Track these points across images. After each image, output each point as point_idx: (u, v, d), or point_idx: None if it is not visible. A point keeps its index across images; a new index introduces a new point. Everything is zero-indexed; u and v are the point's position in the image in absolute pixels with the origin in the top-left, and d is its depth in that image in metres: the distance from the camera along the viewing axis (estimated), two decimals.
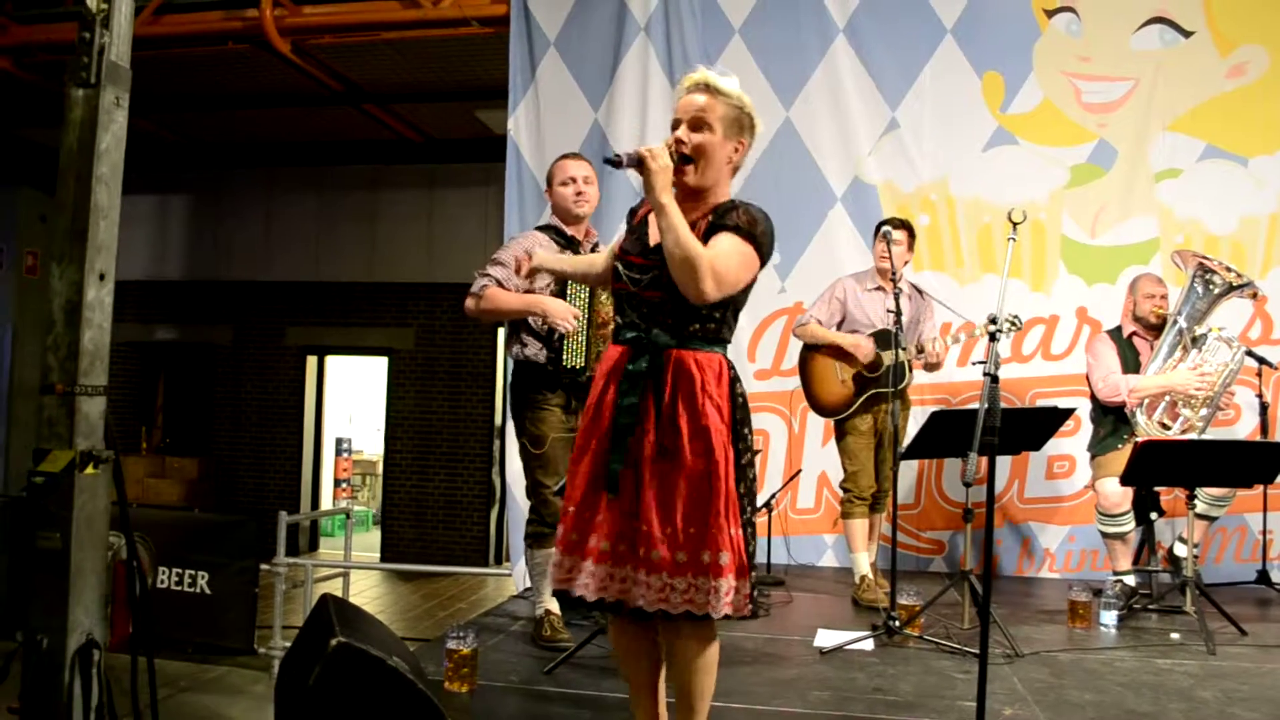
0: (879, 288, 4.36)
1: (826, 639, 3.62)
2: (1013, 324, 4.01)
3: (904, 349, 4.12)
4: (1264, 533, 4.71)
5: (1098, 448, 4.43)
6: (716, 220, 2.23)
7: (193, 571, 5.95)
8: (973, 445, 2.66)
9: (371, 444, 11.91)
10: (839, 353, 4.38)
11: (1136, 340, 4.46)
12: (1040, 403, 5.06)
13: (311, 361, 10.42)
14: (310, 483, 10.45)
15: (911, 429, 4.31)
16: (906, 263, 4.41)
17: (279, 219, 10.28)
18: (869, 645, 3.55)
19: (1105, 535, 4.29)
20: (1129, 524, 4.22)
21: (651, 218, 2.27)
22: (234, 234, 10.37)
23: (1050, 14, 5.27)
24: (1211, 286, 4.26)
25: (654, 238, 2.22)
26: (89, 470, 2.59)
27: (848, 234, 5.34)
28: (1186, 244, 5.00)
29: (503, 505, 7.94)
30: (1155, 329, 4.41)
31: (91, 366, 2.63)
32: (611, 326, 2.47)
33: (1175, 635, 3.78)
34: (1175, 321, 4.33)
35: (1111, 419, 4.40)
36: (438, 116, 8.85)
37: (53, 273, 2.64)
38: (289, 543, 6.23)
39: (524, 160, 5.56)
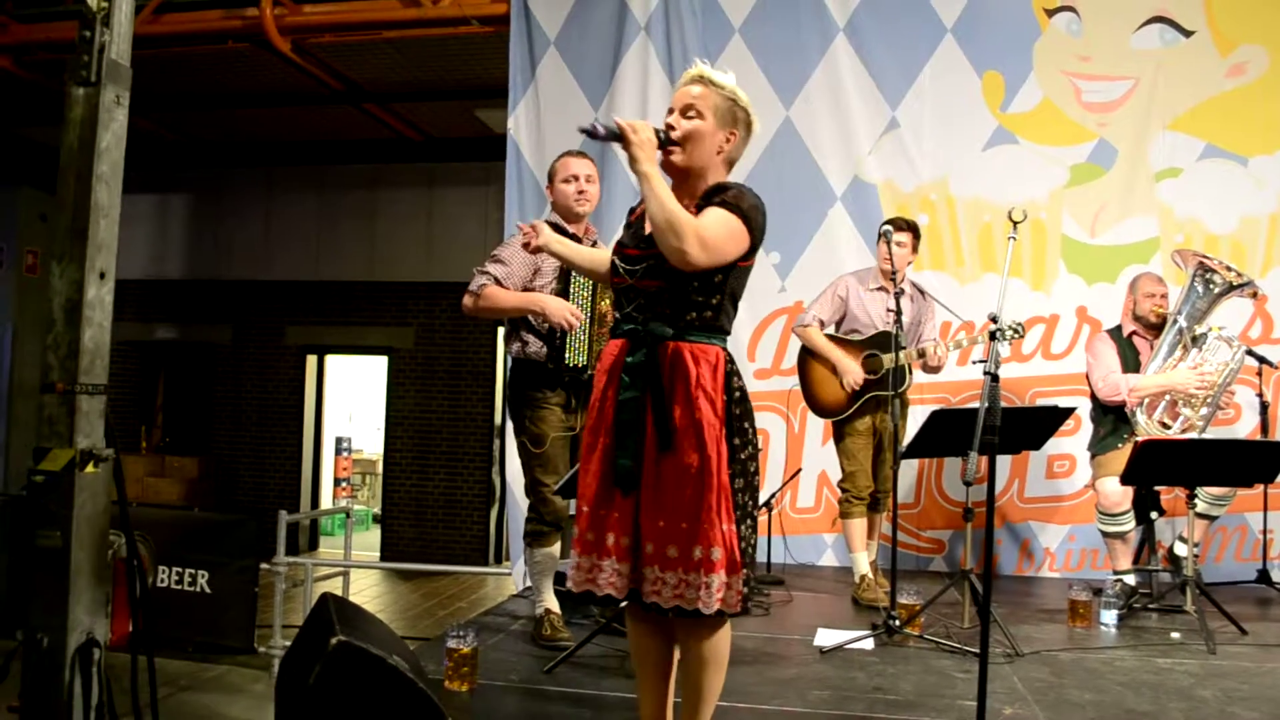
0: (881, 288, 4.35)
1: (826, 638, 3.62)
2: (1015, 331, 4.01)
3: (904, 349, 4.11)
4: (1264, 532, 4.71)
5: (1098, 447, 4.43)
6: (704, 199, 2.26)
7: (193, 570, 5.95)
8: (973, 444, 2.66)
9: (371, 443, 11.91)
10: (833, 364, 4.38)
11: (1136, 339, 4.46)
12: (1040, 402, 5.06)
13: (311, 361, 10.42)
14: (310, 482, 10.45)
15: (910, 429, 4.30)
16: (910, 263, 4.41)
17: (279, 218, 10.28)
18: (869, 644, 3.55)
19: (1105, 534, 4.29)
20: (1129, 523, 4.22)
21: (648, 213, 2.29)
22: (234, 233, 10.37)
23: (1050, 13, 5.27)
24: (1211, 286, 4.26)
25: (649, 228, 2.23)
26: (89, 469, 2.59)
27: (848, 233, 5.34)
28: (1186, 243, 5.00)
29: (502, 504, 7.94)
30: (1155, 328, 4.41)
31: (92, 365, 2.63)
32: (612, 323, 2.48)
33: (1175, 634, 3.78)
34: (1175, 321, 4.33)
35: (1112, 418, 4.40)
36: (438, 115, 8.84)
37: (53, 271, 2.64)
38: (289, 542, 6.23)
39: (524, 159, 5.56)
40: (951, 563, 5.17)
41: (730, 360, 2.27)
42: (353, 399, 11.69)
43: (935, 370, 4.39)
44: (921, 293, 4.53)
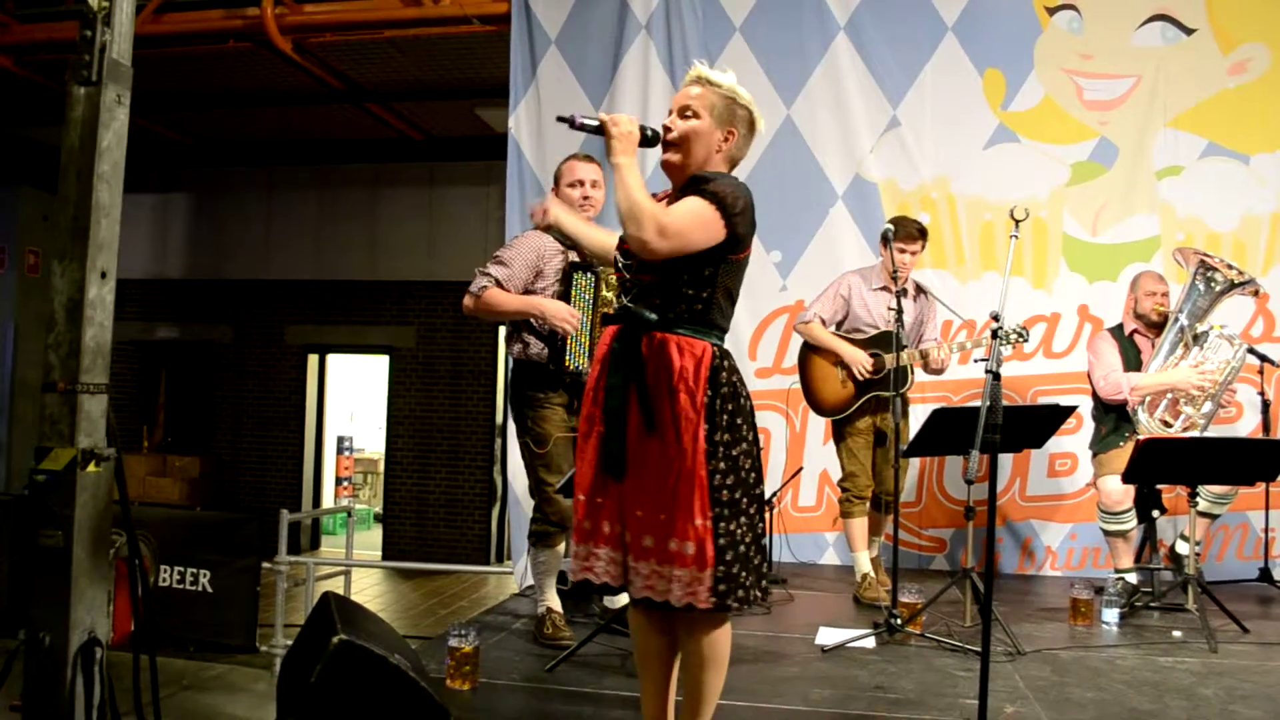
0: (884, 287, 4.34)
1: (828, 637, 3.62)
2: (1020, 335, 4.01)
3: (905, 348, 4.11)
4: (1266, 530, 4.70)
5: (1099, 445, 4.43)
6: (686, 186, 2.26)
7: (194, 569, 5.96)
8: (974, 443, 2.66)
9: (373, 442, 11.91)
10: (839, 356, 4.37)
11: (1138, 338, 4.46)
12: (1042, 400, 5.06)
13: (313, 360, 10.42)
14: (312, 481, 10.46)
15: (912, 428, 4.30)
16: (911, 267, 4.40)
17: (280, 217, 10.28)
18: (870, 643, 3.55)
19: (1107, 533, 4.29)
20: (1131, 522, 4.22)
21: None
22: (235, 232, 10.37)
23: (1051, 11, 5.26)
24: (1213, 284, 4.26)
25: None
26: (91, 468, 2.60)
27: (849, 232, 5.34)
28: (1188, 242, 5.00)
29: (504, 503, 7.95)
30: (1157, 327, 4.41)
31: (93, 364, 2.64)
32: None
33: (1177, 633, 3.77)
34: (1177, 319, 4.33)
35: (1113, 417, 4.40)
36: (439, 115, 8.84)
37: (54, 271, 2.65)
38: (290, 541, 6.23)
39: (525, 158, 5.56)
40: (953, 561, 5.17)
41: (721, 356, 2.24)
42: (354, 398, 11.70)
43: (938, 372, 4.39)
44: (923, 292, 4.52)
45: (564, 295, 3.47)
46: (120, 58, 2.69)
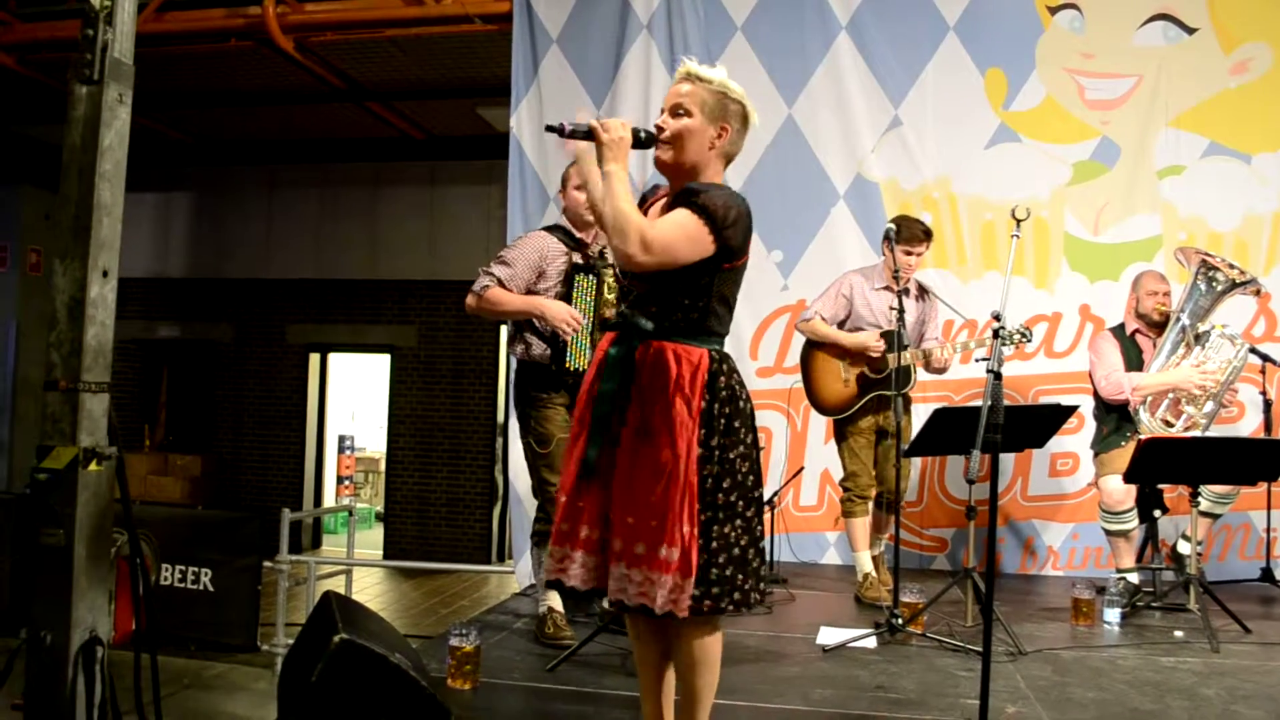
0: (886, 286, 4.33)
1: (829, 637, 3.62)
2: (1023, 335, 4.00)
3: (907, 347, 4.11)
4: (1268, 530, 4.71)
5: (1101, 445, 4.43)
6: (678, 199, 2.23)
7: (196, 568, 5.96)
8: (976, 443, 2.66)
9: (374, 441, 11.91)
10: (843, 351, 4.37)
11: (1139, 338, 4.45)
12: (1043, 400, 5.05)
13: (314, 359, 10.42)
14: (313, 480, 10.46)
15: (914, 427, 4.30)
16: (914, 268, 4.40)
17: (282, 216, 10.28)
18: (872, 643, 3.55)
19: (1108, 533, 4.28)
20: (1132, 521, 4.22)
21: (651, 213, 2.29)
22: (237, 231, 10.38)
23: (1053, 10, 5.26)
24: (1215, 283, 4.26)
25: None
26: (92, 467, 2.60)
27: (850, 232, 5.34)
28: (1190, 241, 5.00)
29: (505, 503, 7.95)
30: (1158, 326, 4.40)
31: (94, 363, 2.64)
32: None
33: (1179, 633, 3.77)
34: (1178, 319, 4.33)
35: (1115, 416, 4.39)
36: (440, 114, 8.84)
37: (56, 270, 2.65)
38: (292, 540, 6.23)
39: (526, 157, 5.56)
40: (954, 561, 5.17)
41: (719, 361, 2.23)
42: (355, 397, 11.69)
43: (940, 371, 4.39)
44: (925, 292, 4.52)
45: (566, 296, 3.48)
46: (122, 56, 2.69)
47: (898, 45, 5.34)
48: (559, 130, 2.22)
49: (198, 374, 10.56)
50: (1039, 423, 3.92)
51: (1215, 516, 4.35)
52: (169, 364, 10.72)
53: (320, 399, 10.52)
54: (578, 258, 3.52)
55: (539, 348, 3.51)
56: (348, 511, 7.20)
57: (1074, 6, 5.25)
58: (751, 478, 2.25)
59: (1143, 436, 4.02)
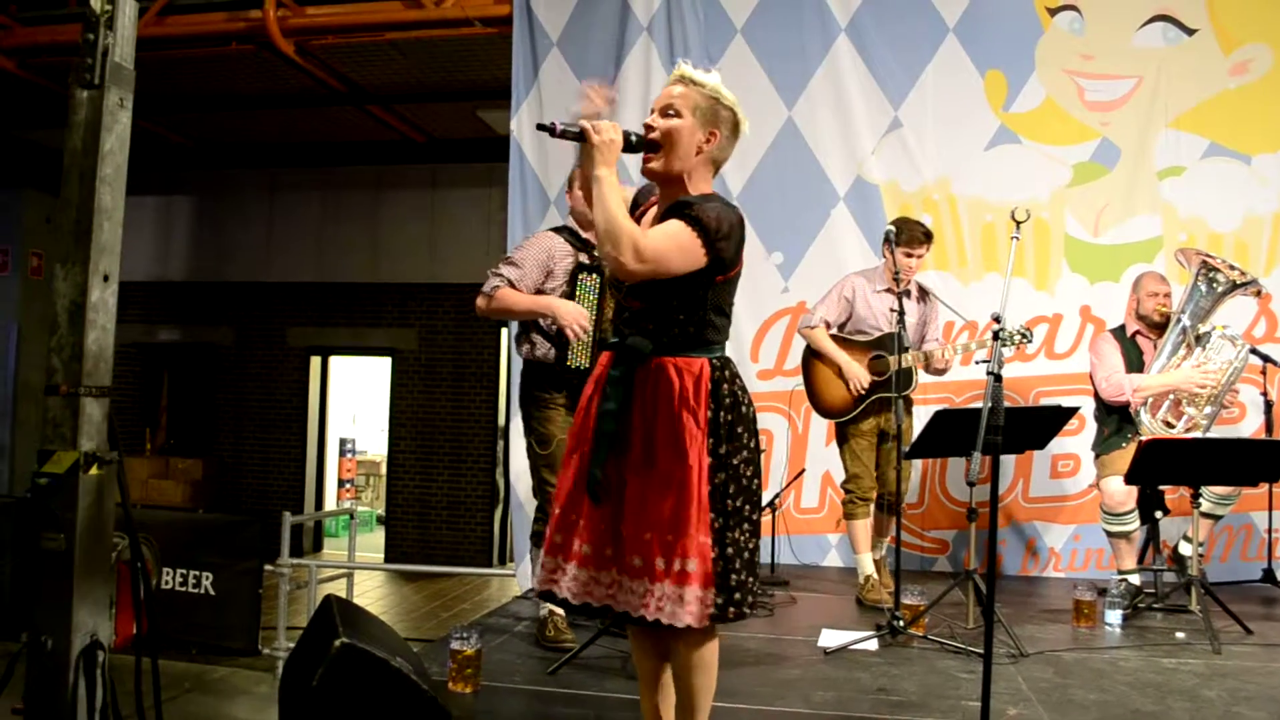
0: (888, 289, 4.33)
1: (830, 639, 3.61)
2: (1024, 335, 4.00)
3: (908, 350, 4.10)
4: (1269, 531, 4.70)
5: (1102, 447, 4.42)
6: (670, 210, 2.22)
7: (197, 572, 5.96)
8: (976, 444, 2.66)
9: (375, 444, 11.92)
10: (838, 367, 4.37)
11: (1140, 339, 4.45)
12: (1044, 401, 5.05)
13: (315, 362, 10.43)
14: (314, 483, 10.46)
15: (915, 429, 4.30)
16: (915, 270, 4.40)
17: (282, 219, 10.29)
18: (873, 645, 3.55)
19: (1110, 534, 4.28)
20: (1134, 523, 4.21)
21: (643, 222, 2.29)
22: (237, 235, 10.39)
23: (1053, 12, 5.26)
24: (1215, 285, 4.25)
25: None
26: (93, 471, 2.60)
27: (851, 234, 5.34)
28: (1190, 242, 4.99)
29: (506, 505, 7.94)
30: (1159, 327, 4.40)
31: (95, 367, 2.63)
32: None
33: (1180, 634, 3.77)
34: (1179, 320, 4.33)
35: (1116, 418, 4.39)
36: (441, 117, 8.85)
37: (57, 274, 2.65)
38: (293, 543, 6.23)
39: (527, 160, 5.56)
40: (955, 563, 5.16)
41: (720, 368, 2.23)
42: (356, 400, 11.70)
43: (940, 373, 4.39)
44: (926, 293, 4.52)
45: (570, 295, 3.50)
46: (123, 61, 2.69)
47: (897, 47, 5.34)
48: (550, 130, 2.21)
49: (198, 377, 10.57)
50: (1040, 424, 3.92)
51: (1217, 518, 4.35)
52: (170, 368, 10.73)
53: (321, 402, 10.52)
54: (584, 257, 3.54)
55: (544, 347, 3.53)
56: (349, 515, 7.21)
57: (1073, 8, 5.25)
58: (755, 481, 2.26)
59: (1144, 438, 4.01)
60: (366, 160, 9.96)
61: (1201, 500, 4.02)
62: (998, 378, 2.68)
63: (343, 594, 6.09)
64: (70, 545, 2.55)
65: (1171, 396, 4.30)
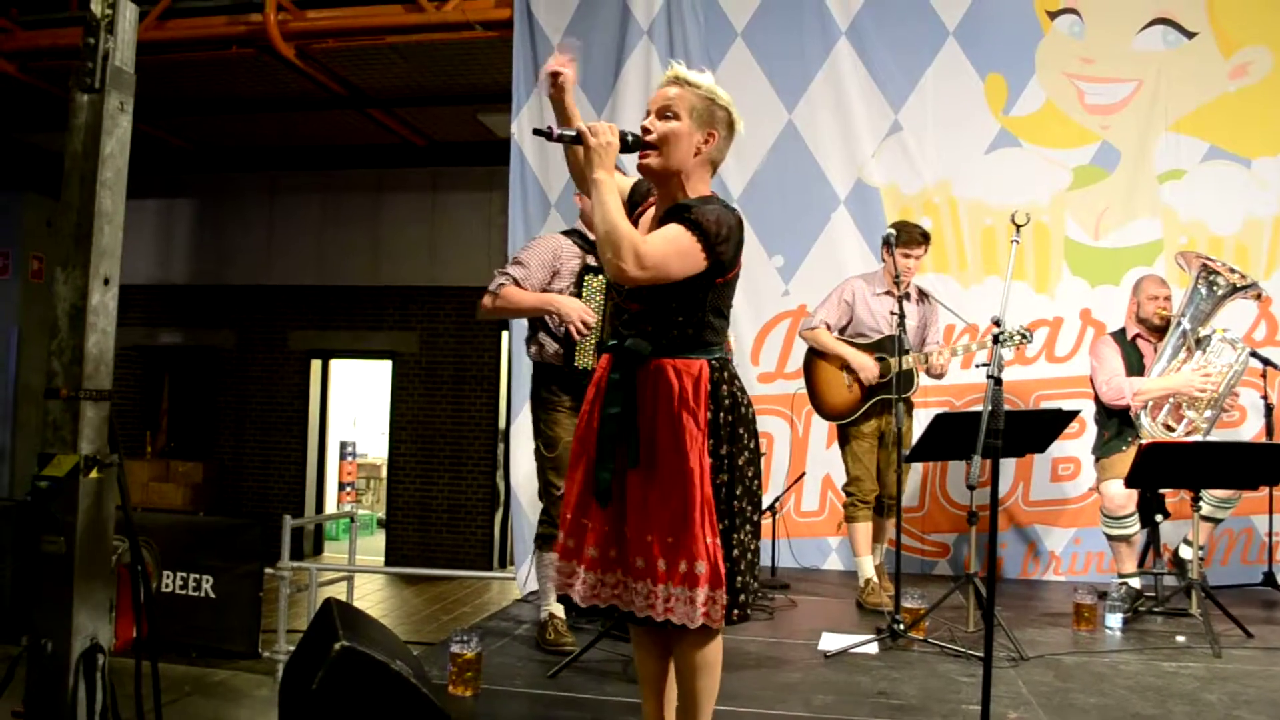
0: (888, 291, 4.33)
1: (830, 642, 3.61)
2: (1023, 335, 4.00)
3: (908, 352, 4.10)
4: (1270, 535, 4.69)
5: (1102, 450, 4.42)
6: (670, 213, 2.21)
7: (197, 575, 5.95)
8: (976, 448, 2.66)
9: (376, 447, 11.91)
10: (845, 360, 4.37)
11: (1140, 342, 4.45)
12: (1044, 405, 5.05)
13: (315, 365, 10.43)
14: (315, 486, 10.46)
15: (916, 432, 4.30)
16: (914, 271, 4.40)
17: (283, 223, 10.30)
18: (873, 649, 3.55)
19: (1110, 538, 4.28)
20: (1134, 526, 4.21)
21: (641, 225, 2.29)
22: (238, 238, 10.39)
23: (1053, 15, 5.26)
24: (1215, 288, 4.26)
25: None
26: (93, 474, 2.60)
27: (851, 237, 5.34)
28: (1190, 245, 4.99)
29: (507, 509, 7.93)
30: (1159, 331, 4.40)
31: (96, 371, 2.64)
32: None
33: (1181, 638, 3.76)
34: (1179, 323, 4.33)
35: (1116, 421, 4.39)
36: (441, 120, 8.86)
37: (57, 277, 2.65)
38: (293, 546, 6.23)
39: (527, 163, 5.56)
40: (956, 566, 5.16)
41: (719, 368, 2.23)
42: (357, 403, 11.70)
43: (939, 376, 4.39)
44: (925, 296, 4.53)
45: (577, 296, 3.51)
46: (123, 65, 2.69)
47: (897, 50, 5.34)
48: (547, 134, 2.21)
49: (199, 380, 10.57)
50: (1040, 428, 3.91)
51: (1217, 521, 4.34)
52: (171, 371, 10.73)
53: (322, 405, 10.52)
54: (591, 259, 3.55)
55: (551, 348, 3.55)
56: (349, 518, 7.21)
57: (1073, 11, 5.25)
58: (756, 482, 2.27)
59: (1144, 441, 4.02)
60: (367, 164, 9.96)
61: (1202, 504, 4.02)
62: (998, 381, 2.68)
63: (343, 597, 6.09)
64: (70, 548, 2.55)
65: (1172, 400, 4.30)
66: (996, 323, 3.01)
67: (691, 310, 2.21)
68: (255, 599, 5.83)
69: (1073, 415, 3.94)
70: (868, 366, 4.28)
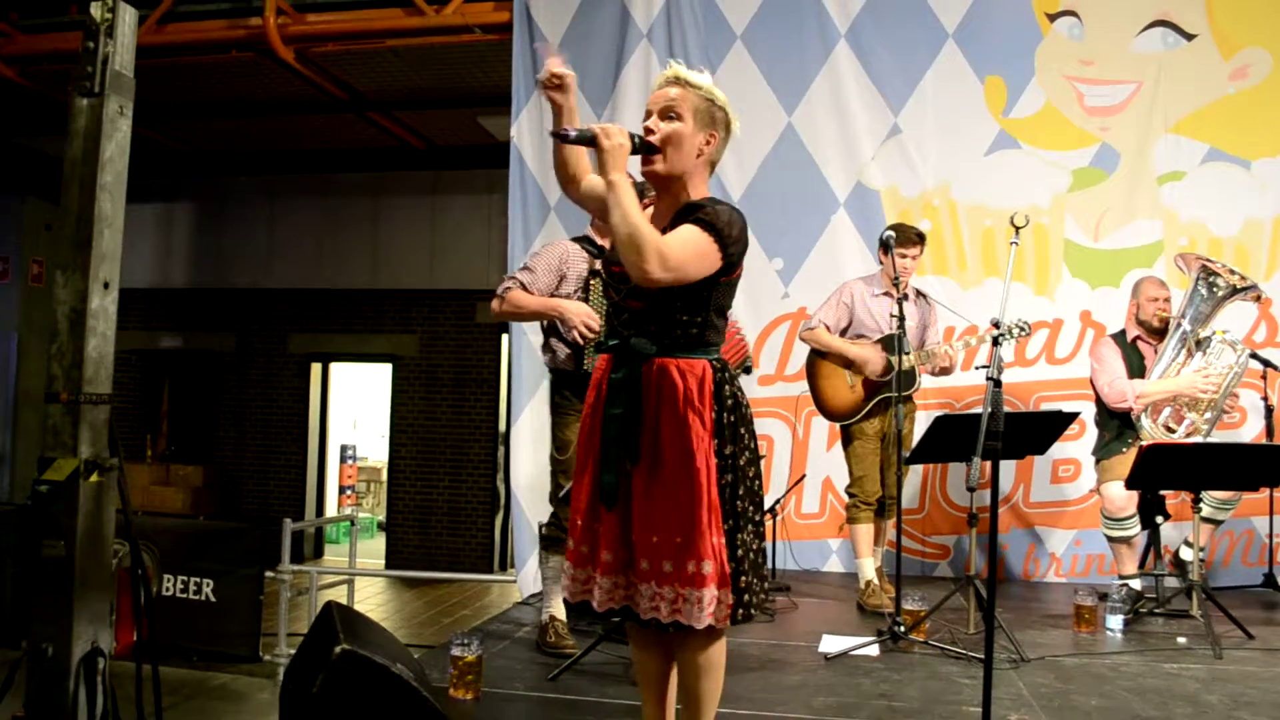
0: (886, 293, 4.34)
1: (831, 645, 3.61)
2: (1021, 329, 4.00)
3: (909, 353, 4.11)
4: (1270, 536, 4.68)
5: (1103, 451, 4.42)
6: (681, 214, 2.21)
7: (197, 579, 5.95)
8: (976, 450, 2.65)
9: (376, 450, 11.91)
10: (847, 360, 4.38)
11: (1140, 344, 4.45)
12: (1044, 406, 5.05)
13: (316, 368, 10.43)
14: (315, 489, 10.45)
15: (918, 433, 4.29)
16: (911, 272, 4.41)
17: (283, 226, 10.30)
18: (874, 651, 3.55)
19: (1111, 539, 4.28)
20: (1134, 528, 4.21)
21: None
22: (238, 241, 10.39)
23: (1052, 17, 5.27)
24: (1215, 289, 4.26)
25: None
26: (93, 478, 2.60)
27: (851, 239, 5.34)
28: (1190, 247, 5.00)
29: (507, 511, 7.94)
30: (1159, 332, 4.40)
31: (96, 375, 2.64)
32: None
33: (1181, 639, 3.76)
34: (1179, 325, 4.33)
35: (1116, 423, 4.39)
36: (441, 123, 8.86)
37: (57, 281, 2.65)
38: (294, 550, 6.23)
39: (527, 167, 5.57)
40: (956, 568, 5.16)
41: (720, 369, 2.24)
42: (357, 406, 11.70)
43: (946, 372, 4.39)
44: (923, 297, 4.53)
45: (585, 301, 3.53)
46: (123, 69, 2.70)
47: (897, 52, 5.35)
48: (563, 136, 2.21)
49: (199, 384, 10.57)
50: (1040, 429, 3.91)
51: (1218, 522, 4.34)
52: (171, 374, 10.73)
53: (322, 408, 10.52)
54: (599, 264, 3.55)
55: (563, 352, 3.57)
56: (349, 521, 7.20)
57: (1073, 13, 5.26)
58: (757, 482, 2.28)
59: (1144, 443, 4.02)
60: (367, 167, 9.96)
61: (1202, 505, 4.02)
62: (997, 383, 2.68)
63: (343, 600, 6.08)
64: (71, 552, 2.55)
65: (1173, 402, 4.30)
66: (996, 325, 3.01)
67: (695, 310, 2.21)
68: (256, 602, 5.82)
69: (1073, 417, 3.94)
70: (871, 359, 4.28)
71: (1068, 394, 5.05)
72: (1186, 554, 4.34)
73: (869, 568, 4.38)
